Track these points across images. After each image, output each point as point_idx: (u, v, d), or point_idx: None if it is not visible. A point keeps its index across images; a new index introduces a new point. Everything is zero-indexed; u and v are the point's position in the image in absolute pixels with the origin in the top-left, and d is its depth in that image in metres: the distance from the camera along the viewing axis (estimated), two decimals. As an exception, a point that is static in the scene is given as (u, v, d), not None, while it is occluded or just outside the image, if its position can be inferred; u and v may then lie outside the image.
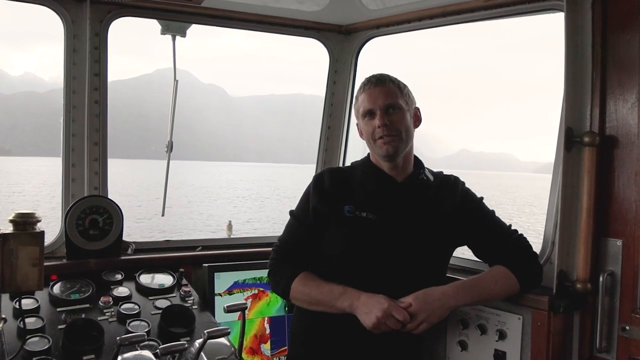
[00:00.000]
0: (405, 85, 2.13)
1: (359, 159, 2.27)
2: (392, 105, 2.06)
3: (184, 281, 2.52)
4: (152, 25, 2.77)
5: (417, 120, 2.16)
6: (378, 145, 2.07)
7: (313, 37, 3.09)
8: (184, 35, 2.80)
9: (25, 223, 1.45)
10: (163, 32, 2.77)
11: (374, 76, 2.13)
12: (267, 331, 2.68)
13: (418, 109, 2.17)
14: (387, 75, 2.13)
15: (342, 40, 3.11)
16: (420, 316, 1.91)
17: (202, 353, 1.80)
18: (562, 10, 2.11)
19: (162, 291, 2.42)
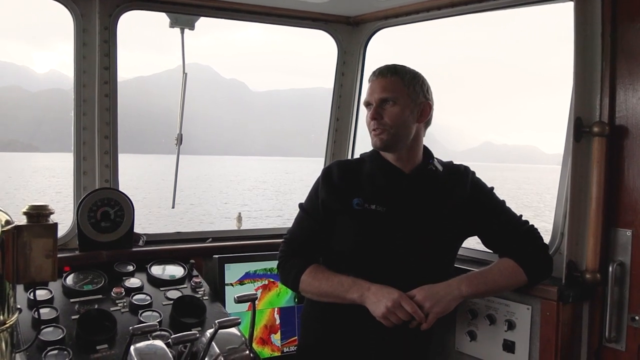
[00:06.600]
0: (414, 78, 2.05)
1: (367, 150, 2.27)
2: (387, 99, 2.03)
3: (195, 272, 2.55)
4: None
5: (423, 116, 2.08)
6: (371, 137, 2.10)
7: (321, 29, 3.08)
8: (192, 28, 2.81)
9: (38, 215, 1.46)
10: (172, 25, 2.78)
11: (384, 67, 2.10)
12: (277, 322, 2.70)
13: (429, 104, 2.08)
14: (395, 67, 2.07)
15: (350, 31, 3.10)
16: (426, 305, 1.92)
17: (213, 343, 1.82)
18: (571, 0, 2.09)
19: (173, 282, 2.45)
